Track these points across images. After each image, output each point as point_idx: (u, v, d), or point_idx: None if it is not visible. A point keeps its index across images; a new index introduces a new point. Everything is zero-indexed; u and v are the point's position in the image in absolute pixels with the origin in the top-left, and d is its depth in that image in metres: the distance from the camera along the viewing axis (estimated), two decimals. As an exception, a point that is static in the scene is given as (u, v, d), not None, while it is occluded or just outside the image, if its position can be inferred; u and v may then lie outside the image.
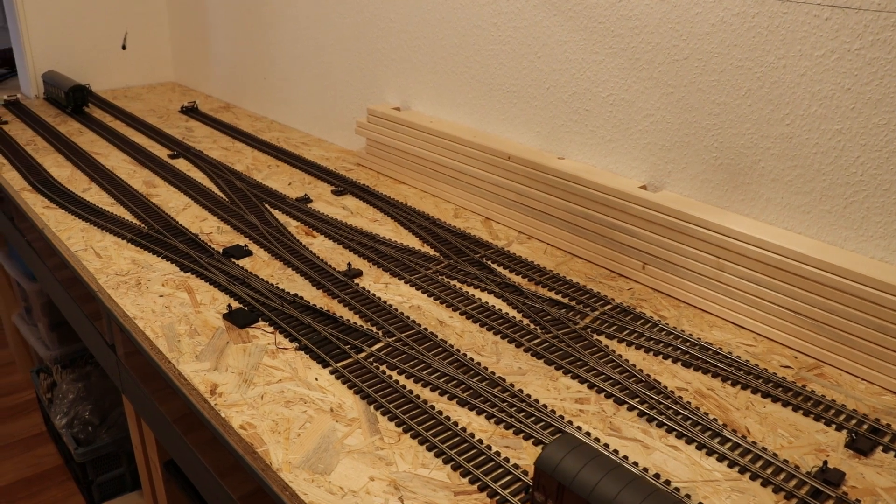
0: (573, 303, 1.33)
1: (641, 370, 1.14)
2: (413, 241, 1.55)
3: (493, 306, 1.31)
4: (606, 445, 0.98)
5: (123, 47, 2.92)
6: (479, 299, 1.33)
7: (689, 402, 1.07)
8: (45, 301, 2.61)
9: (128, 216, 1.66)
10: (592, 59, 1.46)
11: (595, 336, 1.23)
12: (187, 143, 2.22)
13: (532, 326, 1.25)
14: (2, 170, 1.96)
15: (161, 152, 2.13)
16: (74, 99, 2.52)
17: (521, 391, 1.08)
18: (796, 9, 1.15)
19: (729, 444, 0.99)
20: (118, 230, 1.57)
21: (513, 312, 1.30)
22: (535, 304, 1.31)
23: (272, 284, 1.36)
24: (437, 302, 1.32)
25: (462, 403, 1.06)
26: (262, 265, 1.44)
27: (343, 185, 1.84)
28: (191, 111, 2.60)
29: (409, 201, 1.76)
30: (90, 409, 2.36)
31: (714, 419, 1.03)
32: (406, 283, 1.38)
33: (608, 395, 1.09)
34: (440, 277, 1.40)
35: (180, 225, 1.61)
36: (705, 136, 1.33)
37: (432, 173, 1.78)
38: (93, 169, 1.96)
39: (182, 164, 2.02)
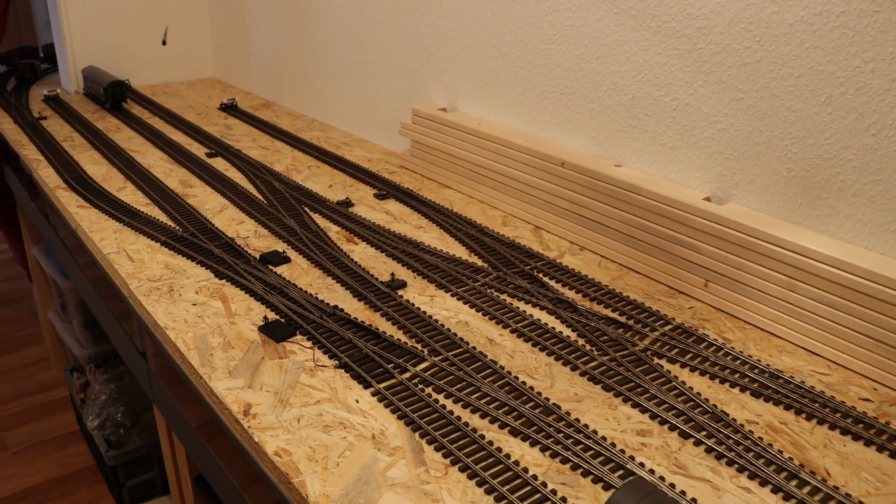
0: (630, 322, 1.24)
1: (707, 399, 1.05)
2: (460, 251, 1.47)
3: (546, 324, 1.22)
4: (672, 485, 0.89)
5: (164, 43, 2.88)
6: (531, 316, 1.24)
7: (760, 438, 0.97)
8: (80, 299, 2.58)
9: (162, 217, 1.60)
10: (655, 60, 1.37)
11: (655, 360, 1.14)
12: (226, 141, 2.16)
13: (588, 347, 1.17)
14: (38, 167, 1.92)
15: (199, 150, 2.07)
16: (113, 95, 2.47)
17: (577, 420, 0.99)
18: (890, 6, 1.05)
19: (808, 489, 0.89)
20: (152, 232, 1.51)
21: (567, 331, 1.21)
22: (590, 323, 1.22)
23: (311, 295, 1.28)
24: (486, 318, 1.24)
25: (514, 433, 0.97)
26: (301, 273, 1.37)
27: (386, 189, 1.76)
28: (230, 108, 2.55)
29: (455, 207, 1.68)
30: (122, 410, 2.31)
31: (789, 458, 0.94)
32: (453, 296, 1.30)
33: (672, 428, 1.00)
34: (489, 291, 1.32)
35: (216, 228, 1.54)
36: (778, 145, 1.23)
37: (480, 178, 1.70)
38: (129, 167, 1.91)
39: (220, 164, 1.96)
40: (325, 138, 2.21)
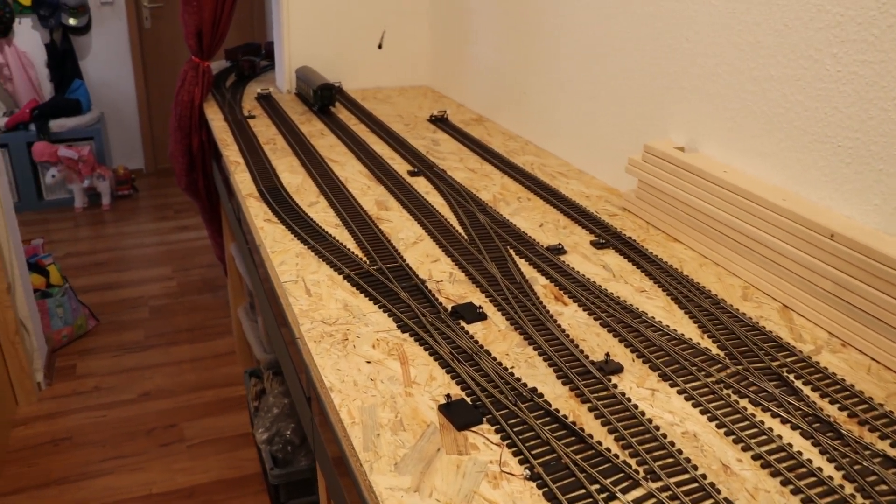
0: (917, 463, 0.93)
1: None
2: (689, 329, 1.20)
3: (799, 452, 0.93)
4: None
5: (380, 46, 2.77)
6: (779, 437, 0.96)
7: None
8: (267, 303, 2.51)
9: (350, 244, 1.44)
10: (983, 119, 1.05)
11: (957, 530, 0.83)
12: (431, 158, 1.99)
13: (859, 499, 0.87)
14: (236, 170, 1.83)
15: (401, 167, 1.91)
16: (322, 98, 2.38)
17: None
18: None
19: None
20: (336, 262, 1.35)
21: (828, 468, 0.92)
22: (860, 461, 0.92)
23: (505, 369, 1.06)
24: (722, 432, 0.97)
25: None
26: (497, 337, 1.15)
27: (605, 237, 1.51)
28: (439, 121, 2.38)
29: (686, 269, 1.40)
30: (293, 427, 2.21)
31: None
32: (679, 392, 1.04)
33: None
34: (725, 392, 1.04)
35: (407, 265, 1.36)
36: None
37: (718, 236, 1.42)
38: (325, 179, 1.78)
39: (421, 184, 1.79)
40: (539, 165, 1.99)
